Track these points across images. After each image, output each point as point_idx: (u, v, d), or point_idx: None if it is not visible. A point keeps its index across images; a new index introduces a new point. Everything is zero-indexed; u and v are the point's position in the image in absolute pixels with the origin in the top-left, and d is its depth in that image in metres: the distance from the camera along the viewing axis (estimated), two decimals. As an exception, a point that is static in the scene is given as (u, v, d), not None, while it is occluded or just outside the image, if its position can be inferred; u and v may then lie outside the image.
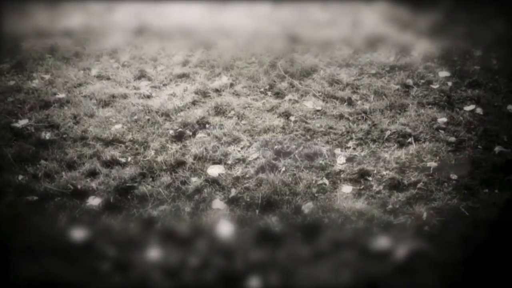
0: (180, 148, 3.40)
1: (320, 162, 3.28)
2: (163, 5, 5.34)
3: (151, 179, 3.15)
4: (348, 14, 5.17)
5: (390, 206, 2.93)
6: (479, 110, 3.74)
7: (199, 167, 3.23)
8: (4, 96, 3.94)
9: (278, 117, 3.71)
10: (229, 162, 3.26)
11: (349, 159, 3.30)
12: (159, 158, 3.30)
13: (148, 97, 3.99)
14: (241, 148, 3.39)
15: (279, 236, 2.73)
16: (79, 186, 3.08)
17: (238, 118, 3.69)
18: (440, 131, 3.53)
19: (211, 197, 3.01)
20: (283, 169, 3.21)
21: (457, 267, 2.50)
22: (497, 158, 3.24)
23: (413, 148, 3.36)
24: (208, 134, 3.52)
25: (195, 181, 3.13)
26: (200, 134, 3.53)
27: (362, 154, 3.34)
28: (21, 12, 5.17)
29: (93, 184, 3.10)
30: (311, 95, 3.95)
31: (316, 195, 3.03)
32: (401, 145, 3.41)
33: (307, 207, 2.92)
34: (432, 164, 3.22)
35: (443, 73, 4.21)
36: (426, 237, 2.70)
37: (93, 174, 3.19)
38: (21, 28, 4.98)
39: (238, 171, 3.19)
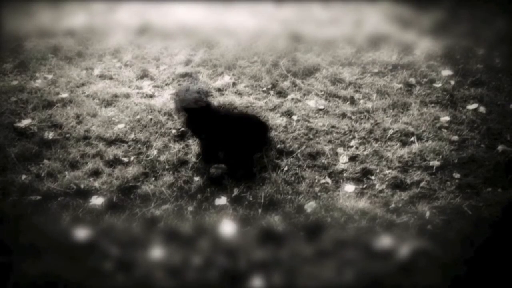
0: (183, 148, 3.40)
1: (323, 161, 3.28)
2: (165, 4, 5.34)
3: (154, 178, 3.16)
4: (350, 13, 5.16)
5: (393, 205, 2.93)
6: (482, 109, 3.73)
7: (202, 166, 3.23)
8: (7, 96, 3.94)
9: (280, 116, 3.71)
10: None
11: (352, 158, 3.30)
12: (162, 158, 3.31)
13: (151, 96, 3.99)
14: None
15: (282, 235, 2.73)
16: (82, 186, 3.08)
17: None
18: (443, 130, 3.52)
19: (214, 196, 3.01)
20: (286, 168, 3.21)
21: (460, 266, 2.50)
22: (500, 157, 3.24)
23: (416, 147, 3.36)
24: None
25: (197, 180, 3.13)
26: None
27: (365, 153, 3.34)
28: (24, 12, 5.18)
29: (96, 184, 3.11)
30: (313, 94, 3.95)
31: (318, 194, 3.03)
32: (404, 144, 3.41)
33: (310, 206, 2.92)
34: (435, 163, 3.22)
35: (446, 72, 4.20)
36: (429, 236, 2.70)
37: (96, 173, 3.20)
38: (23, 27, 4.99)
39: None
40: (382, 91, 3.97)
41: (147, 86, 4.14)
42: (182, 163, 3.28)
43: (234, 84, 4.12)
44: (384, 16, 5.08)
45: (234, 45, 4.69)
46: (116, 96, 3.97)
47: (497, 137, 3.44)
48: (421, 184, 3.06)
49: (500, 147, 3.31)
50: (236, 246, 2.68)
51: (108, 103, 3.88)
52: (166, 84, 4.17)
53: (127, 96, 3.98)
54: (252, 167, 3.21)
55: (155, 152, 3.37)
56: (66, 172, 3.19)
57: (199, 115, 3.15)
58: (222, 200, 2.99)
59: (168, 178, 3.15)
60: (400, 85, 4.05)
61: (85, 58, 4.57)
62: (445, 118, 3.63)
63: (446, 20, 4.96)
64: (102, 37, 4.89)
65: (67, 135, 3.52)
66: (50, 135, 3.52)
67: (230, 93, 4.00)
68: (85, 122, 3.65)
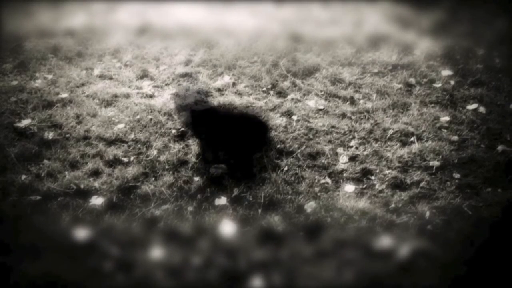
0: (183, 148, 3.40)
1: (323, 161, 3.28)
2: (165, 4, 5.34)
3: (153, 178, 3.16)
4: (350, 13, 5.16)
5: (393, 205, 2.93)
6: (482, 109, 3.73)
7: (202, 166, 3.23)
8: (7, 96, 3.94)
9: (280, 116, 3.71)
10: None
11: (352, 158, 3.30)
12: (162, 158, 3.31)
13: (151, 96, 3.99)
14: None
15: (282, 235, 2.73)
16: (82, 186, 3.08)
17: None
18: (443, 130, 3.52)
19: (214, 196, 3.01)
20: (286, 168, 3.21)
21: (460, 266, 2.50)
22: (500, 157, 3.24)
23: (415, 147, 3.36)
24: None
25: (197, 180, 3.13)
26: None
27: (365, 153, 3.34)
28: (24, 12, 5.18)
29: (96, 184, 3.11)
30: (313, 94, 3.95)
31: (318, 194, 3.03)
32: (404, 144, 3.41)
33: (310, 206, 2.92)
34: (435, 163, 3.22)
35: (446, 72, 4.20)
36: (429, 236, 2.70)
37: (96, 173, 3.20)
38: (23, 28, 4.98)
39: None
40: (382, 91, 3.97)
41: (147, 86, 4.14)
42: (182, 163, 3.28)
43: (234, 84, 4.12)
44: (384, 16, 5.08)
45: (234, 45, 4.69)
46: (116, 96, 3.97)
47: (497, 137, 3.44)
48: (421, 184, 3.07)
49: (500, 147, 3.31)
50: (236, 246, 2.68)
51: (108, 103, 3.89)
52: (166, 84, 4.17)
53: (127, 96, 3.98)
54: (252, 167, 3.21)
55: (155, 152, 3.37)
56: (66, 172, 3.19)
57: (200, 116, 3.15)
58: (222, 200, 2.99)
59: (168, 178, 3.15)
60: (400, 85, 4.05)
61: (85, 58, 4.57)
62: (445, 118, 3.63)
63: (446, 20, 4.96)
64: (102, 37, 4.89)
65: (67, 135, 3.52)
66: (50, 135, 3.52)
67: (230, 93, 4.00)
68: (85, 122, 3.65)
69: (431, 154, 3.29)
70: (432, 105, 3.80)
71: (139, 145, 3.44)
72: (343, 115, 3.70)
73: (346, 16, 5.14)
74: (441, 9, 5.08)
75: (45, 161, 3.27)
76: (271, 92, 4.01)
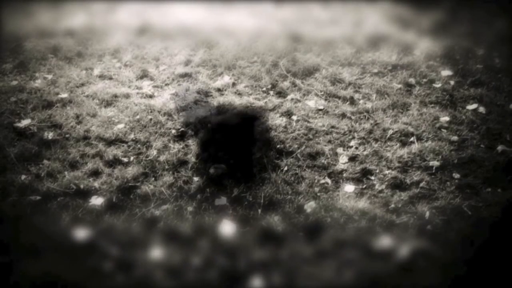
0: (183, 148, 3.40)
1: (323, 161, 3.28)
2: (165, 4, 5.34)
3: (153, 178, 3.16)
4: (350, 13, 5.16)
5: (393, 205, 2.93)
6: (481, 109, 3.73)
7: (201, 166, 3.23)
8: (7, 96, 3.94)
9: (280, 116, 3.71)
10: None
11: (352, 158, 3.30)
12: (162, 158, 3.31)
13: (151, 96, 3.99)
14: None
15: (282, 235, 2.73)
16: (81, 186, 3.08)
17: (241, 118, 3.69)
18: (443, 130, 3.53)
19: (214, 196, 3.01)
20: (285, 168, 3.21)
21: (460, 266, 2.50)
22: (499, 157, 3.24)
23: (415, 147, 3.36)
24: (211, 134, 3.52)
25: (197, 180, 3.13)
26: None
27: (365, 153, 3.34)
28: (24, 12, 5.18)
29: (96, 184, 3.11)
30: (313, 94, 3.95)
31: (318, 194, 3.03)
32: (404, 144, 3.41)
33: (310, 206, 2.92)
34: (435, 163, 3.22)
35: (446, 72, 4.20)
36: (429, 236, 2.70)
37: (95, 173, 3.20)
38: (23, 28, 4.98)
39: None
40: (382, 91, 3.97)
41: (146, 86, 4.14)
42: (182, 163, 3.28)
43: (233, 84, 4.12)
44: (384, 16, 5.08)
45: (234, 45, 4.69)
46: (116, 96, 3.97)
47: (497, 137, 3.44)
48: (421, 184, 3.07)
49: (499, 147, 3.31)
50: (236, 246, 2.68)
51: (107, 103, 3.88)
52: (166, 84, 4.17)
53: (127, 96, 3.98)
54: (252, 167, 3.21)
55: (154, 152, 3.37)
56: (66, 172, 3.19)
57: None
58: (222, 200, 2.99)
59: (167, 178, 3.15)
60: (399, 85, 4.05)
61: (85, 58, 4.57)
62: (444, 118, 3.63)
63: (446, 20, 4.96)
64: (102, 37, 4.88)
65: (67, 135, 3.52)
66: (49, 135, 3.52)
67: (230, 93, 4.00)
68: (85, 122, 3.65)
69: (431, 154, 3.29)
70: (432, 105, 3.80)
71: (139, 145, 3.44)
72: (343, 115, 3.70)
73: (346, 16, 5.13)
74: (441, 9, 5.08)
75: (45, 161, 3.27)
76: (271, 92, 4.01)
